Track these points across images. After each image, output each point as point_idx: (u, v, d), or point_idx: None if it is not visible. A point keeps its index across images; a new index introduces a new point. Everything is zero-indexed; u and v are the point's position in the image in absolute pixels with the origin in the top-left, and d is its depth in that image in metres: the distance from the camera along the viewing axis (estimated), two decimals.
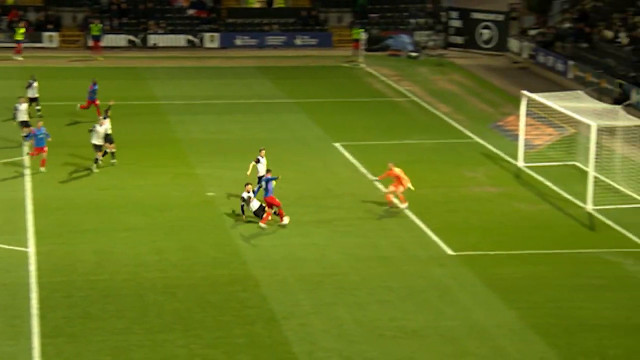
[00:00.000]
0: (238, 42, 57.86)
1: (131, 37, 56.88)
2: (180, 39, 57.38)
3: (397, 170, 29.50)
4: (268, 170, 28.82)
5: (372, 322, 22.33)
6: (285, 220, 28.24)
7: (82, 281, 24.48)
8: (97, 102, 38.41)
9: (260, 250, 26.68)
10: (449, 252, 26.69)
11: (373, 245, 27.16)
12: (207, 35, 57.59)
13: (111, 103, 35.49)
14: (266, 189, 28.17)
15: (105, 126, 33.16)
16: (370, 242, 27.40)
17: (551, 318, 22.58)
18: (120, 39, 56.60)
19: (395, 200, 29.73)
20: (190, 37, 57.47)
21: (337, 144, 37.24)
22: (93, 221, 28.70)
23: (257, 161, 30.14)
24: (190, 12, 59.23)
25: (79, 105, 38.89)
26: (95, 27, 54.02)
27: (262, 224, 28.06)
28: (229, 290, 24.01)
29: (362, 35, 54.47)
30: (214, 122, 40.31)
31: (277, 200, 28.46)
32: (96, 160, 32.97)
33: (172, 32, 57.66)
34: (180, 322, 22.25)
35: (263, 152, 30.55)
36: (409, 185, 29.35)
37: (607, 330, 22.00)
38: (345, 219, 28.94)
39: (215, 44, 57.47)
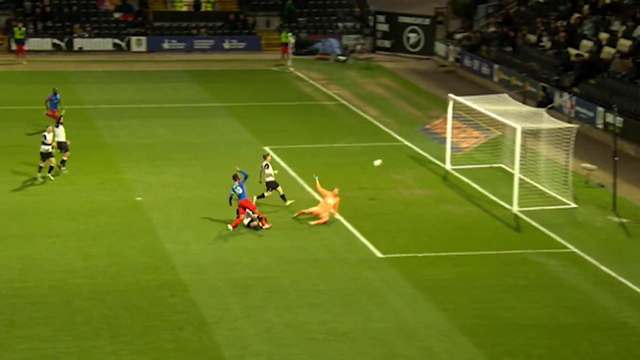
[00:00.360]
0: (165, 45, 57.47)
1: (56, 41, 56.08)
2: (107, 43, 56.79)
3: (333, 200, 28.88)
4: (234, 177, 28.50)
5: (303, 325, 22.38)
6: (267, 225, 28.30)
7: (7, 288, 24.05)
8: (56, 112, 37.54)
9: (190, 255, 26.53)
10: (378, 254, 26.87)
11: (303, 249, 27.22)
12: (133, 38, 57.08)
13: (62, 113, 35.08)
14: (241, 193, 27.98)
15: (50, 134, 32.56)
16: (300, 245, 27.46)
17: (478, 318, 22.88)
18: (45, 43, 55.77)
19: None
20: (117, 41, 56.91)
21: (266, 148, 37.24)
22: (18, 227, 28.24)
23: (267, 167, 29.96)
24: (117, 15, 58.64)
25: (44, 113, 37.93)
26: (19, 31, 53.11)
27: (230, 227, 27.98)
28: (158, 296, 23.83)
29: (291, 39, 54.57)
30: (141, 127, 39.96)
31: (252, 204, 28.36)
32: (50, 169, 32.33)
33: (98, 35, 57.03)
34: (109, 328, 22.01)
35: (269, 157, 30.43)
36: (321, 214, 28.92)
37: (533, 329, 22.37)
38: (276, 222, 28.92)
39: (143, 48, 57.02)
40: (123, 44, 56.81)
